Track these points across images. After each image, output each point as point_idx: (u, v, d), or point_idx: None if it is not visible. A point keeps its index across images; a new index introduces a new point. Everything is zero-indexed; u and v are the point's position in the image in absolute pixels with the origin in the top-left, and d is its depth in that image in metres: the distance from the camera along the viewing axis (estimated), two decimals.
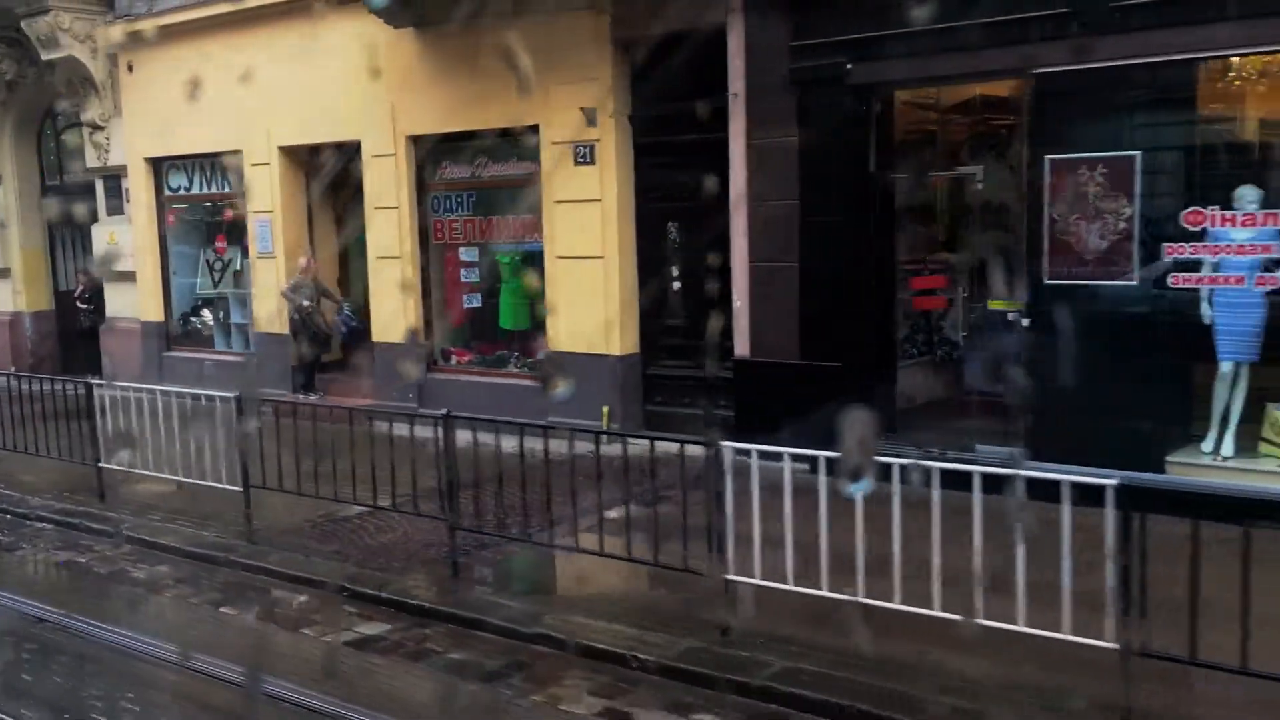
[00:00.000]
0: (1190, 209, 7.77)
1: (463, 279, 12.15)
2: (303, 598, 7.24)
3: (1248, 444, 8.02)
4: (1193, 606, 4.62)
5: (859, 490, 4.88)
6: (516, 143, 11.19)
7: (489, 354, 12.06)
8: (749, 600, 6.06)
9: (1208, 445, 8.11)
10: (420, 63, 11.66)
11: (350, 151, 12.54)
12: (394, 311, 12.37)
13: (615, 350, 10.69)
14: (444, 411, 7.36)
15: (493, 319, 12.00)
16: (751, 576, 5.96)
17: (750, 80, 9.52)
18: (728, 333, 9.87)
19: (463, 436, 7.31)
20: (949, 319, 9.82)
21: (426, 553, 7.69)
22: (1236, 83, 8.07)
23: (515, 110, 10.81)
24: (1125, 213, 8.03)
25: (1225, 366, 8.00)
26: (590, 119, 10.49)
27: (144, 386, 9.68)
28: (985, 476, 5.29)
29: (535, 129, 10.92)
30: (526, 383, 11.42)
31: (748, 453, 6.11)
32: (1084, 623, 4.92)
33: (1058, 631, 4.98)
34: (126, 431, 9.20)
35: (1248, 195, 7.80)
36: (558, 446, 6.80)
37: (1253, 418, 8.03)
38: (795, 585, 5.77)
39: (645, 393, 10.89)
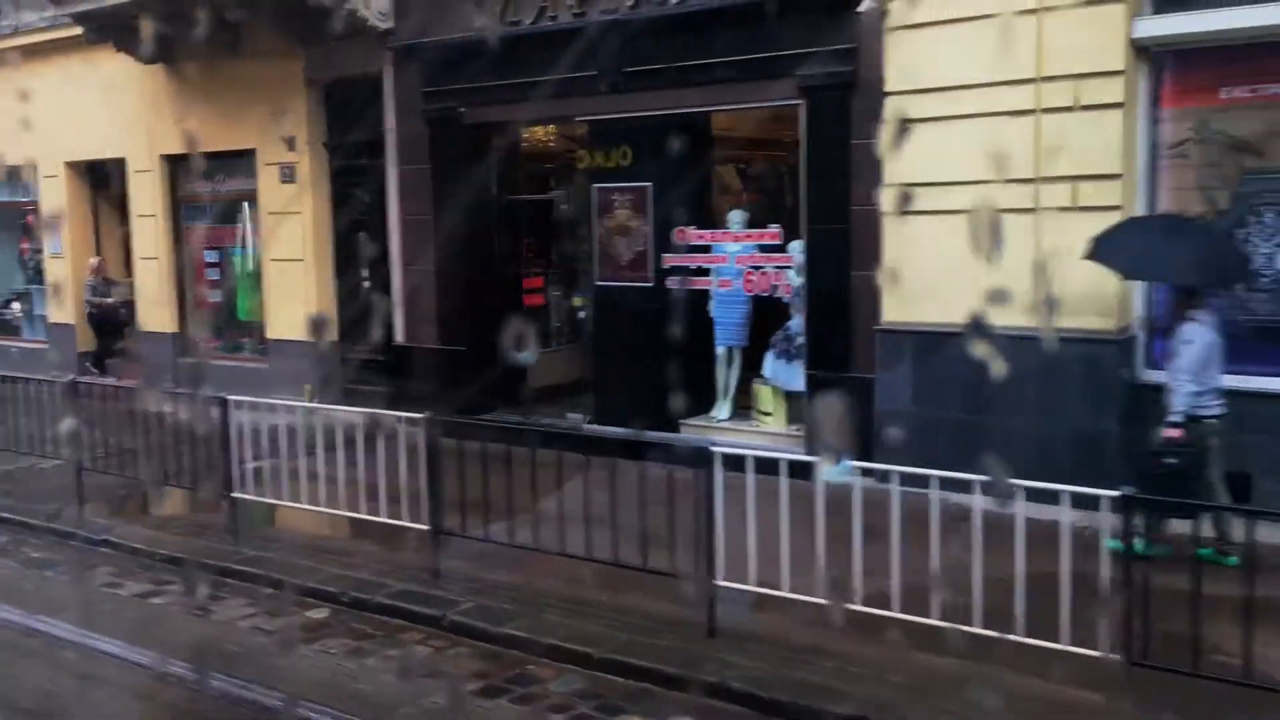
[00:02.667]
0: (677, 228, 10.07)
1: (207, 277, 14.25)
2: None
3: (745, 411, 10.33)
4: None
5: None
6: (241, 163, 13.32)
7: (229, 341, 14.17)
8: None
9: (716, 412, 10.41)
10: (168, 93, 13.75)
11: (121, 166, 14.61)
12: (156, 305, 14.44)
13: (314, 337, 12.84)
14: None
15: (231, 311, 14.12)
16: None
17: (399, 118, 11.71)
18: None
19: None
20: (555, 313, 12.06)
21: None
22: (722, 130, 10.38)
23: (238, 135, 12.98)
24: (644, 230, 10.33)
25: (721, 350, 10.29)
26: (291, 145, 12.64)
27: None
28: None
29: (253, 152, 13.07)
30: (258, 365, 13.54)
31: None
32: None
33: None
34: None
35: (735, 217, 10.12)
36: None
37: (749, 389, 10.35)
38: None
39: (346, 372, 13.04)
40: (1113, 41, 7.71)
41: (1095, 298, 7.89)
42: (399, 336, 12.05)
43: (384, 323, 12.24)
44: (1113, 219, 7.79)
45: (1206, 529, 6.34)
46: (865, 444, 8.54)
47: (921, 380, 8.65)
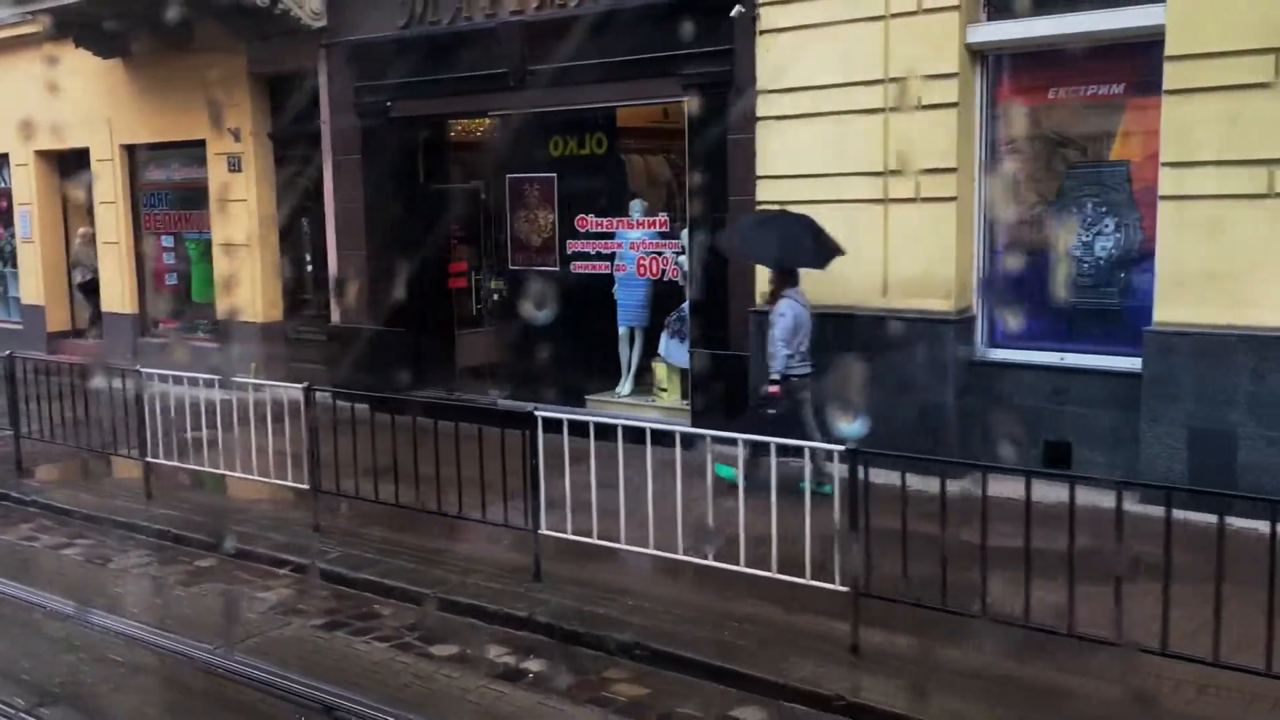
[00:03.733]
0: (579, 216, 10.79)
1: (165, 261, 15.03)
2: None
3: (649, 387, 11.05)
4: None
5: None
6: (194, 153, 14.08)
7: (187, 322, 14.96)
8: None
9: (619, 388, 11.14)
10: (128, 86, 14.51)
11: (85, 156, 15.39)
12: (118, 286, 15.24)
13: (259, 318, 13.60)
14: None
15: (187, 293, 14.90)
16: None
17: (333, 112, 12.44)
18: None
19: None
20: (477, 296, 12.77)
21: None
22: (625, 123, 11.07)
23: (189, 127, 13.78)
24: (550, 218, 11.05)
25: (623, 330, 11.01)
26: (236, 136, 13.38)
27: None
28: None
29: (203, 143, 13.83)
30: (209, 344, 14.33)
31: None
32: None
33: None
34: None
35: (636, 206, 10.82)
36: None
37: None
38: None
39: (290, 351, 13.81)
40: (948, 46, 8.37)
41: (936, 282, 8.59)
42: (335, 317, 12.81)
43: (323, 304, 13.03)
44: (951, 209, 8.50)
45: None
46: (738, 412, 9.29)
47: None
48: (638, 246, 10.74)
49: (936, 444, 8.43)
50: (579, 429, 6.83)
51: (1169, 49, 7.43)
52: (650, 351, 10.93)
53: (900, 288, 8.74)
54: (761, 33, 9.24)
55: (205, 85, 13.36)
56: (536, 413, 6.62)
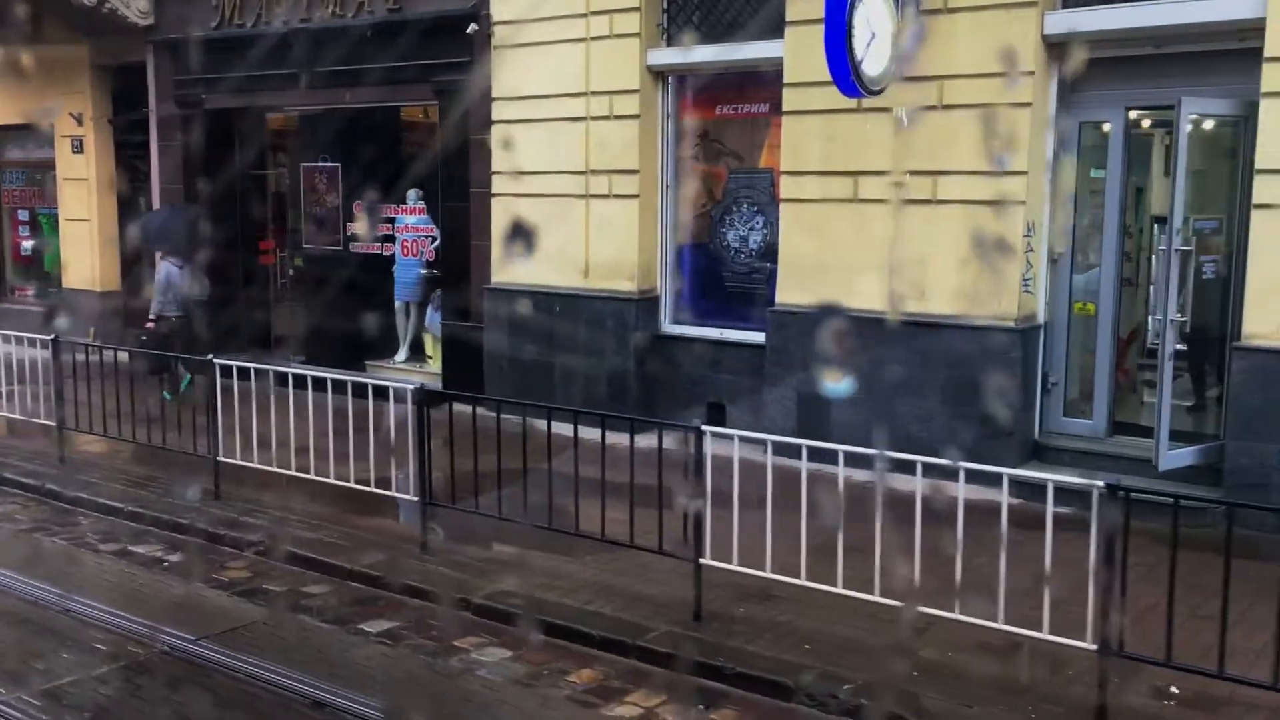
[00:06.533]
0: (356, 202, 12.23)
1: (21, 234, 16.29)
2: None
3: (420, 355, 12.50)
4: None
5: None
6: (45, 134, 15.33)
7: (39, 289, 16.22)
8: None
9: (397, 356, 12.58)
10: None
11: None
12: None
13: (98, 288, 14.89)
14: None
15: (40, 263, 16.16)
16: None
17: (158, 101, 13.76)
18: None
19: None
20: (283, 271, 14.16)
21: None
22: (404, 120, 12.50)
23: (41, 111, 15.02)
24: (335, 203, 12.48)
25: (399, 304, 12.45)
26: (79, 120, 14.66)
27: None
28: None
29: (52, 125, 15.09)
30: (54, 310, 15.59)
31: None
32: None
33: None
34: None
35: (412, 195, 12.25)
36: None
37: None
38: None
39: (129, 320, 15.11)
40: (632, 67, 9.86)
41: (624, 267, 10.11)
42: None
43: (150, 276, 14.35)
44: (634, 206, 10.01)
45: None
46: (479, 380, 10.78)
47: (514, 329, 10.81)
48: (411, 230, 12.19)
49: (620, 403, 9.95)
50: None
51: (786, 77, 8.98)
52: (422, 324, 12.40)
53: (597, 271, 10.24)
54: (495, 48, 10.69)
55: (54, 73, 14.61)
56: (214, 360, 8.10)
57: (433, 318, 12.05)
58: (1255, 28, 7.09)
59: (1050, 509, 4.86)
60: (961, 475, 5.19)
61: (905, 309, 8.52)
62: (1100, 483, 4.66)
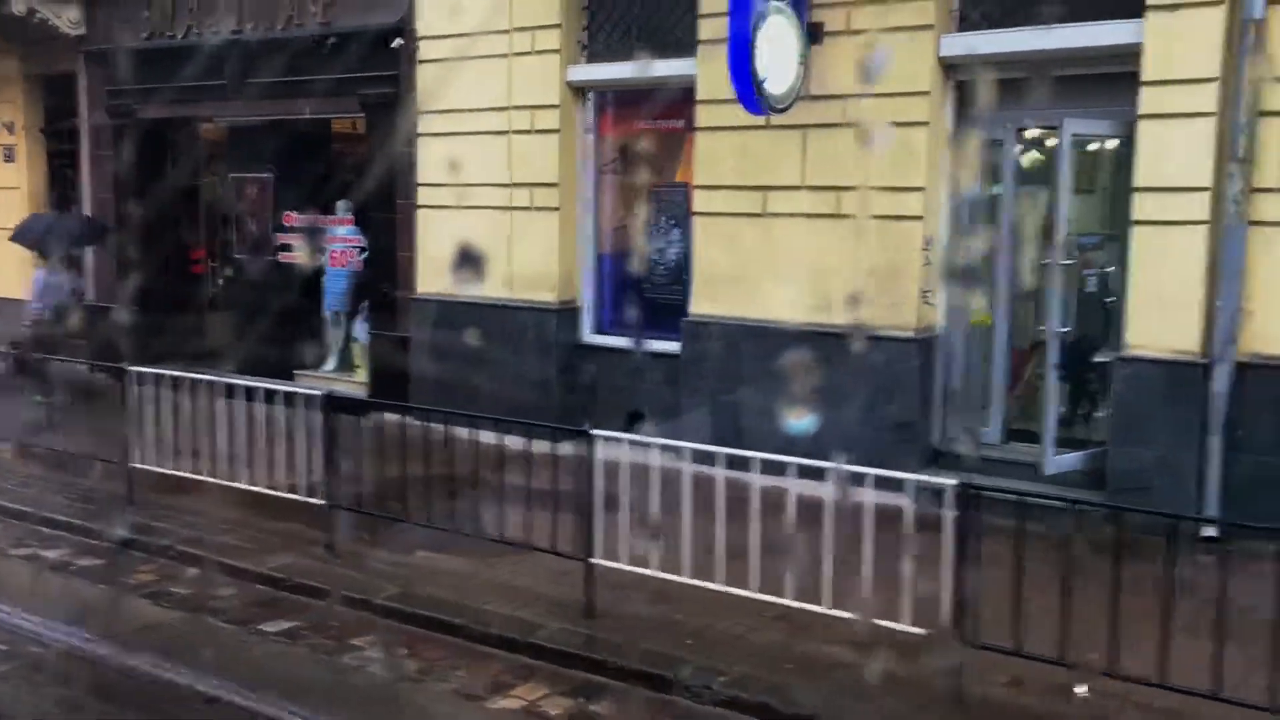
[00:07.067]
0: (285, 212, 12.34)
1: None
2: None
3: (350, 365, 12.61)
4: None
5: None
6: None
7: None
8: None
9: (326, 365, 12.68)
10: None
11: None
12: None
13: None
14: None
15: None
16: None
17: (90, 112, 13.80)
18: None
19: None
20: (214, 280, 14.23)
21: None
22: (336, 131, 12.65)
23: None
24: (266, 214, 12.58)
25: (329, 314, 12.57)
26: (10, 129, 14.67)
27: None
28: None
29: None
30: None
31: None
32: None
33: None
34: None
35: (342, 205, 12.38)
36: None
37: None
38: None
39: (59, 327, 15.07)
40: (552, 83, 10.09)
41: (545, 278, 10.31)
42: (90, 296, 14.14)
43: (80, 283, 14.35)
44: (554, 218, 10.22)
45: None
46: (405, 389, 10.92)
47: (437, 338, 10.97)
48: (341, 241, 12.31)
49: (542, 411, 10.13)
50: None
51: (699, 94, 9.23)
52: (351, 334, 12.51)
53: (520, 282, 10.44)
54: (420, 62, 10.88)
55: None
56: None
57: (361, 327, 12.17)
58: (1133, 53, 7.45)
59: (911, 507, 5.13)
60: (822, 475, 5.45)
61: (812, 320, 8.80)
62: (951, 482, 4.92)
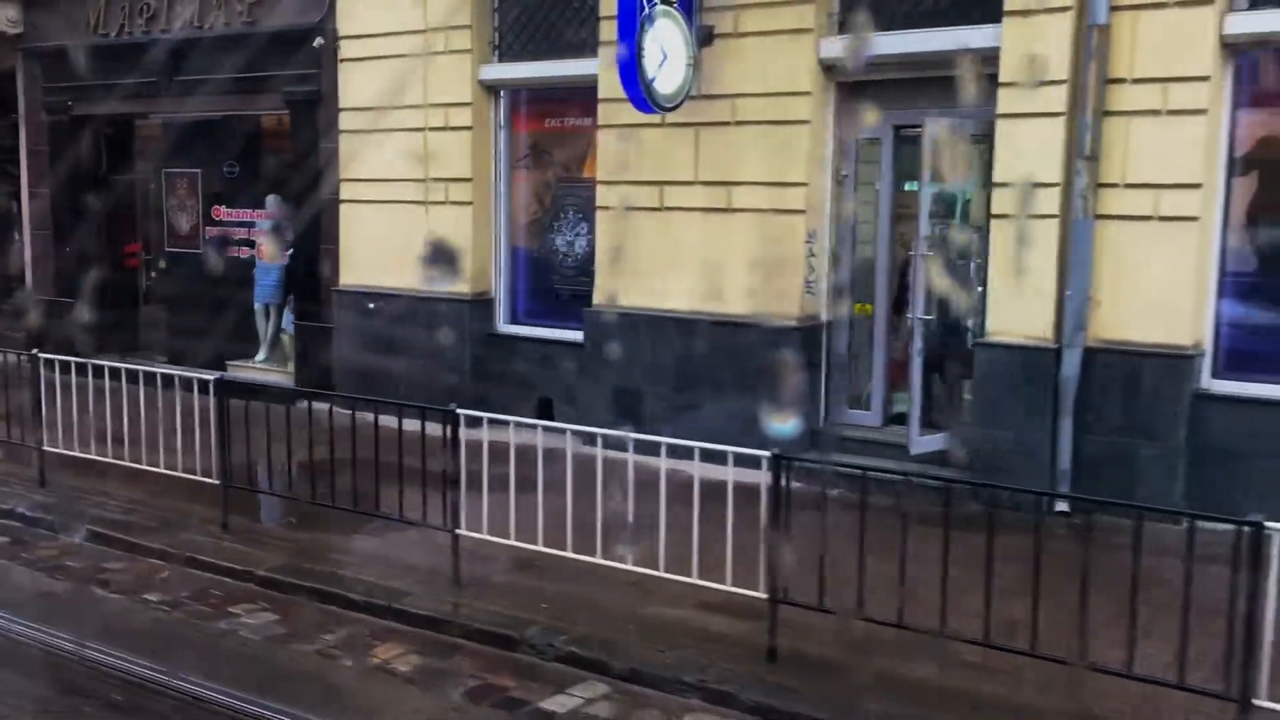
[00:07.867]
0: (214, 206, 12.67)
1: None
2: None
3: (280, 355, 12.94)
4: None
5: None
6: None
7: None
8: None
9: (257, 355, 13.00)
10: None
11: None
12: None
13: None
14: None
15: None
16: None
17: (27, 108, 14.07)
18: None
19: None
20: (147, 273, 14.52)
21: None
22: (265, 128, 12.97)
23: None
24: (196, 208, 12.90)
25: (259, 306, 12.88)
26: None
27: None
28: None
29: None
30: None
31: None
32: None
33: None
34: None
35: (271, 200, 12.70)
36: None
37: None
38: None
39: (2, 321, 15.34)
40: (464, 81, 10.45)
41: (463, 269, 10.68)
42: (37, 292, 14.43)
43: (19, 276, 14.64)
44: (468, 212, 10.58)
45: None
46: (329, 376, 11.26)
47: (360, 327, 11.31)
48: (252, 233, 12.66)
49: (457, 398, 10.46)
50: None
51: (600, 93, 9.60)
52: (280, 325, 12.84)
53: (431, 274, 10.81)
54: (341, 61, 11.22)
55: None
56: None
57: (289, 318, 12.50)
58: (993, 56, 7.88)
59: (731, 476, 5.53)
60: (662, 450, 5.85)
61: (704, 309, 9.21)
62: (767, 453, 5.32)
